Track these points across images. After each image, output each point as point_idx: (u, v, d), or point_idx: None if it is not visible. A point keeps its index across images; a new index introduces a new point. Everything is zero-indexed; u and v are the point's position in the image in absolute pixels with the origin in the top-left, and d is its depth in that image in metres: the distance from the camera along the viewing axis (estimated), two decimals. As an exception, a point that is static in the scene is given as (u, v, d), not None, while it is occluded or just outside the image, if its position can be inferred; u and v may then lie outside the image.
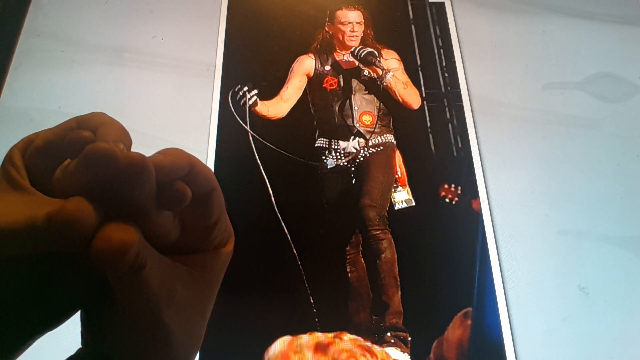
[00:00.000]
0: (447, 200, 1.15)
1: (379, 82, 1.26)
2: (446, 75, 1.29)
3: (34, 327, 0.26)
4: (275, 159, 1.16)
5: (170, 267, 0.25)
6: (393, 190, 1.17)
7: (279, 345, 0.92)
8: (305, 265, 1.06)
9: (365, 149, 1.20)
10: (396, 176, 1.18)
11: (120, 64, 1.26)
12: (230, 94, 1.22)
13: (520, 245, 1.10)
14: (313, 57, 1.29)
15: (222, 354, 0.98)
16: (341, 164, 1.19)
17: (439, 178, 1.17)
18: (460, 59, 1.31)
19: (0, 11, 1.30)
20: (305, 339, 0.92)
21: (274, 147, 1.17)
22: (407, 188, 1.17)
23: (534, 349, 1.01)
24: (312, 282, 1.05)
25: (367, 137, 1.21)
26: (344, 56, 1.30)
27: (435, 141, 1.22)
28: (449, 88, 1.28)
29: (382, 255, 1.09)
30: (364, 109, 1.24)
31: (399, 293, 1.06)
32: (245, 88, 1.22)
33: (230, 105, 1.21)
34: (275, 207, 1.11)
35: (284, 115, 1.22)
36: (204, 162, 1.13)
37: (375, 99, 1.25)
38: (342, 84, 1.26)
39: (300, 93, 1.25)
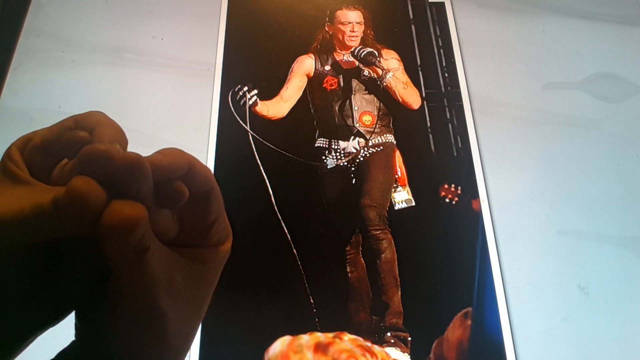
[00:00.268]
0: (447, 200, 1.15)
1: (379, 82, 1.26)
2: (446, 75, 1.29)
3: (34, 323, 0.26)
4: (275, 159, 1.16)
5: (170, 257, 0.26)
6: (393, 190, 1.17)
7: (279, 345, 0.92)
8: (305, 265, 1.06)
9: (365, 149, 1.20)
10: (396, 176, 1.18)
11: (120, 64, 1.26)
12: (230, 94, 1.22)
13: (520, 245, 1.10)
14: (313, 57, 1.29)
15: (222, 354, 0.98)
16: (341, 164, 1.19)
17: (439, 178, 1.17)
18: (460, 59, 1.31)
19: (0, 11, 1.30)
20: (305, 339, 0.92)
21: (274, 147, 1.17)
22: (407, 188, 1.17)
23: (534, 349, 1.01)
24: (312, 282, 1.05)
25: (367, 137, 1.21)
26: (344, 56, 1.30)
27: (435, 141, 1.22)
28: (449, 88, 1.28)
29: (382, 255, 1.09)
30: (364, 109, 1.24)
31: (399, 293, 1.06)
32: (245, 88, 1.22)
33: (230, 105, 1.21)
34: (275, 207, 1.11)
35: (284, 115, 1.22)
36: (204, 162, 1.13)
37: (375, 99, 1.25)
38: (342, 84, 1.26)
39: (300, 93, 1.25)
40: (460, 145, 1.21)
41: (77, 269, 0.27)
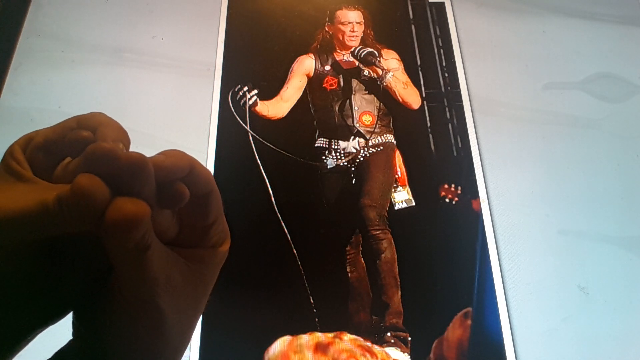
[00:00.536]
0: (447, 200, 1.15)
1: (379, 82, 1.26)
2: (446, 75, 1.29)
3: (34, 322, 0.26)
4: (275, 159, 1.16)
5: (170, 256, 0.26)
6: (393, 190, 1.17)
7: (279, 345, 0.92)
8: (305, 265, 1.06)
9: (365, 149, 1.20)
10: (396, 176, 1.18)
11: (120, 64, 1.26)
12: (230, 94, 1.22)
13: (520, 245, 1.10)
14: (313, 57, 1.29)
15: (222, 354, 0.98)
16: (341, 164, 1.19)
17: (439, 178, 1.17)
18: (460, 59, 1.31)
19: (0, 11, 1.30)
20: (305, 339, 0.92)
21: (274, 147, 1.17)
22: (407, 188, 1.17)
23: (534, 349, 1.01)
24: (312, 282, 1.05)
25: (367, 137, 1.21)
26: (344, 56, 1.30)
27: (435, 141, 1.22)
28: (449, 88, 1.28)
29: (382, 255, 1.09)
30: (364, 109, 1.24)
31: (399, 293, 1.06)
32: (245, 88, 1.22)
33: (230, 105, 1.21)
34: (275, 207, 1.11)
35: (284, 115, 1.22)
36: (204, 162, 1.13)
37: (375, 99, 1.25)
38: (342, 84, 1.26)
39: (300, 93, 1.25)
40: (460, 145, 1.21)
41: (77, 268, 0.27)
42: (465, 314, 1.04)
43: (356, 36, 1.31)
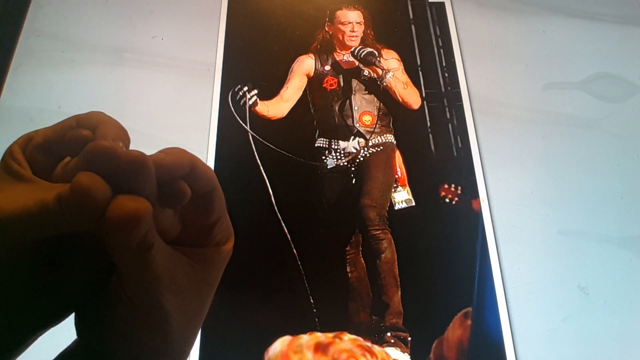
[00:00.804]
0: (447, 200, 1.15)
1: (379, 82, 1.26)
2: (446, 75, 1.29)
3: (36, 323, 0.26)
4: (275, 159, 1.16)
5: (173, 256, 0.26)
6: (393, 190, 1.17)
7: (279, 345, 0.92)
8: (305, 265, 1.06)
9: (365, 149, 1.20)
10: (396, 176, 1.18)
11: (120, 64, 1.26)
12: (230, 94, 1.22)
13: (520, 245, 1.10)
14: (313, 57, 1.29)
15: (222, 354, 0.98)
16: (341, 164, 1.19)
17: (439, 178, 1.17)
18: (460, 59, 1.31)
19: (0, 11, 1.30)
20: (305, 339, 0.92)
21: (274, 147, 1.17)
22: (407, 188, 1.17)
23: (534, 349, 1.01)
24: (312, 282, 1.05)
25: (367, 137, 1.21)
26: (344, 56, 1.30)
27: (435, 141, 1.22)
28: (449, 88, 1.28)
29: (382, 255, 1.09)
30: (364, 109, 1.24)
31: (399, 293, 1.06)
32: (245, 88, 1.22)
33: (230, 105, 1.21)
34: (275, 207, 1.11)
35: (284, 115, 1.22)
36: (204, 162, 1.13)
37: (375, 99, 1.25)
38: (342, 84, 1.26)
39: (300, 93, 1.25)
40: (460, 145, 1.21)
41: (78, 268, 0.27)
42: (465, 314, 1.04)
43: (356, 36, 1.31)
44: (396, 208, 1.15)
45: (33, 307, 0.26)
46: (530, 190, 1.16)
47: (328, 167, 1.18)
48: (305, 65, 1.28)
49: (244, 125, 1.19)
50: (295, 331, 0.96)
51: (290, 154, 1.17)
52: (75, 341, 0.28)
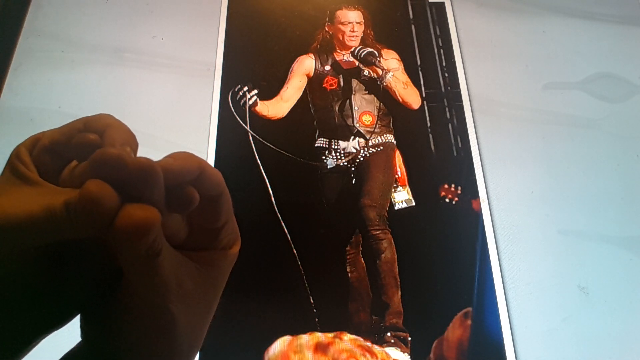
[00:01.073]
0: (447, 200, 1.15)
1: (379, 82, 1.26)
2: (446, 75, 1.29)
3: (40, 326, 0.26)
4: (275, 159, 1.16)
5: (181, 260, 0.26)
6: (393, 190, 1.17)
7: (279, 345, 0.92)
8: (305, 265, 1.06)
9: (365, 149, 1.20)
10: (396, 176, 1.18)
11: (120, 64, 1.26)
12: (230, 94, 1.22)
13: (520, 245, 1.10)
14: (313, 57, 1.29)
15: (222, 354, 0.98)
16: (341, 164, 1.19)
17: (439, 178, 1.17)
18: (460, 59, 1.31)
19: (0, 11, 1.30)
20: (305, 339, 0.92)
21: (274, 147, 1.17)
22: (407, 188, 1.17)
23: (534, 349, 1.01)
24: (312, 282, 1.05)
25: (367, 137, 1.21)
26: (344, 56, 1.30)
27: (435, 141, 1.22)
28: (449, 88, 1.28)
29: (382, 255, 1.09)
30: (364, 109, 1.24)
31: (399, 293, 1.06)
32: (245, 88, 1.22)
33: (230, 105, 1.21)
34: (275, 207, 1.11)
35: (284, 115, 1.22)
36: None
37: (375, 99, 1.25)
38: (342, 84, 1.26)
39: (300, 93, 1.25)
40: (460, 145, 1.21)
41: (84, 272, 0.27)
42: (465, 314, 1.04)
43: (356, 36, 1.31)
44: (396, 208, 1.15)
45: (38, 310, 0.26)
46: (530, 190, 1.16)
47: (328, 167, 1.18)
48: (305, 65, 1.28)
49: (244, 125, 1.19)
50: (295, 331, 0.96)
51: (290, 154, 1.17)
52: (79, 344, 0.28)
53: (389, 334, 1.03)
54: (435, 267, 1.08)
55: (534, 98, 1.28)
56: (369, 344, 0.94)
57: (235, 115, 1.20)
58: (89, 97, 1.21)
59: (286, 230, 1.09)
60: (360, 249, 1.11)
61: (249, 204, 1.11)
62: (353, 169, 1.19)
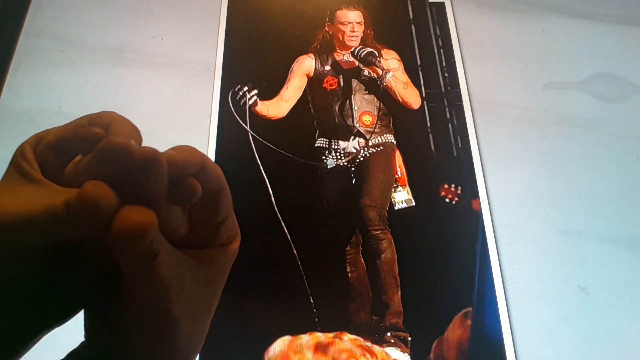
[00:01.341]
0: (447, 200, 1.15)
1: (379, 82, 1.26)
2: (446, 75, 1.29)
3: (41, 323, 0.26)
4: (275, 159, 1.16)
5: (180, 259, 0.26)
6: (393, 190, 1.17)
7: (279, 345, 0.92)
8: (305, 265, 1.06)
9: (365, 149, 1.20)
10: (396, 176, 1.18)
11: (120, 64, 1.26)
12: (230, 94, 1.22)
13: (520, 245, 1.10)
14: (313, 57, 1.29)
15: (222, 354, 0.98)
16: (341, 164, 1.19)
17: (439, 178, 1.17)
18: (460, 59, 1.31)
19: (0, 11, 1.30)
20: (305, 339, 0.92)
21: (274, 147, 1.17)
22: (407, 188, 1.17)
23: (534, 349, 1.01)
24: (312, 282, 1.05)
25: (367, 137, 1.21)
26: (344, 56, 1.30)
27: (435, 141, 1.22)
28: (449, 88, 1.28)
29: (382, 255, 1.09)
30: (364, 109, 1.24)
31: (399, 293, 1.06)
32: (245, 88, 1.22)
33: (230, 105, 1.21)
34: (275, 207, 1.11)
35: (284, 115, 1.22)
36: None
37: (375, 99, 1.25)
38: (342, 84, 1.26)
39: (300, 93, 1.25)
40: (460, 145, 1.21)
41: (87, 270, 0.27)
42: (465, 314, 1.04)
43: (356, 36, 1.31)
44: (396, 208, 1.15)
45: (39, 307, 0.26)
46: (530, 190, 1.16)
47: (328, 167, 1.18)
48: (305, 65, 1.28)
49: (244, 125, 1.19)
50: (295, 331, 0.96)
51: (290, 154, 1.17)
52: (82, 343, 0.28)
53: (389, 334, 1.03)
54: (435, 267, 1.08)
55: (534, 98, 1.28)
56: (369, 344, 0.94)
57: (235, 115, 1.20)
58: (89, 97, 1.21)
59: (286, 230, 1.09)
60: (360, 249, 1.11)
61: (249, 204, 1.11)
62: (353, 169, 1.19)
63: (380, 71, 1.26)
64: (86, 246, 0.27)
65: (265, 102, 1.22)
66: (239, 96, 1.22)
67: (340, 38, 1.31)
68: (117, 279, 0.26)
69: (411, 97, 1.26)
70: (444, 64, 1.31)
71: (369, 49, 1.28)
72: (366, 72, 1.27)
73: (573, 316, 1.04)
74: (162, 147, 0.25)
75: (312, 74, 1.27)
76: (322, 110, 1.24)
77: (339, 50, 1.30)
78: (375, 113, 1.24)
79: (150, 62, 1.27)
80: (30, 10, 1.32)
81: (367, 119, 1.23)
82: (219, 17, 1.32)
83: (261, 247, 1.08)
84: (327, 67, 1.28)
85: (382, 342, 1.02)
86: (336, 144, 1.21)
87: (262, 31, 1.32)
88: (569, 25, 1.38)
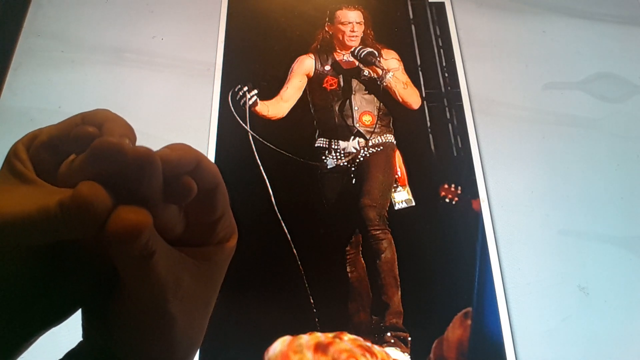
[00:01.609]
0: (447, 200, 1.15)
1: (379, 82, 1.26)
2: (446, 75, 1.29)
3: (37, 323, 0.26)
4: (275, 159, 1.16)
5: (177, 258, 0.25)
6: (393, 190, 1.17)
7: (279, 345, 0.92)
8: (305, 265, 1.06)
9: (365, 149, 1.20)
10: (396, 176, 1.18)
11: (120, 64, 1.26)
12: (230, 94, 1.22)
13: (521, 245, 1.10)
14: (313, 57, 1.29)
15: (222, 354, 0.98)
16: (341, 164, 1.19)
17: (439, 178, 1.17)
18: (460, 59, 1.31)
19: (1, 11, 1.30)
20: (305, 339, 0.92)
21: (274, 147, 1.17)
22: (407, 188, 1.17)
23: (534, 349, 1.01)
24: (312, 282, 1.05)
25: (367, 137, 1.21)
26: (344, 56, 1.30)
27: (435, 141, 1.22)
28: (449, 88, 1.28)
29: (382, 255, 1.09)
30: (364, 109, 1.24)
31: (399, 293, 1.06)
32: (245, 88, 1.22)
33: (230, 105, 1.21)
34: (275, 207, 1.11)
35: (284, 115, 1.22)
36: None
37: (375, 99, 1.25)
38: (342, 84, 1.26)
39: (300, 93, 1.25)
40: (460, 145, 1.21)
41: (83, 268, 0.27)
42: (465, 314, 1.04)
43: (356, 36, 1.31)
44: (396, 208, 1.15)
45: (35, 307, 0.26)
46: (530, 190, 1.16)
47: (328, 167, 1.18)
48: (305, 65, 1.28)
49: (244, 125, 1.19)
50: (295, 331, 0.96)
51: (290, 154, 1.17)
52: (80, 342, 0.28)
53: (389, 334, 1.03)
54: (435, 267, 1.08)
55: (534, 98, 1.28)
56: (369, 344, 0.94)
57: (235, 115, 1.20)
58: (89, 97, 1.21)
59: (286, 230, 1.09)
60: (360, 249, 1.11)
61: (249, 204, 1.11)
62: (353, 169, 1.19)
63: (380, 71, 1.26)
64: (83, 245, 0.27)
65: (265, 102, 1.22)
66: (239, 96, 1.22)
67: (340, 38, 1.31)
68: (115, 278, 0.26)
69: (411, 97, 1.26)
70: (444, 64, 1.31)
71: (369, 49, 1.28)
72: (366, 72, 1.27)
73: (573, 316, 1.04)
74: (161, 147, 0.25)
75: (312, 74, 1.27)
76: (322, 110, 1.24)
77: (339, 50, 1.30)
78: (375, 113, 1.24)
79: (150, 62, 1.27)
80: (30, 10, 1.32)
81: (367, 119, 1.23)
82: (219, 17, 1.32)
83: (261, 247, 1.08)
84: (327, 67, 1.28)
85: (382, 342, 1.02)
86: (336, 144, 1.20)
87: (262, 31, 1.32)
88: (569, 25, 1.38)
